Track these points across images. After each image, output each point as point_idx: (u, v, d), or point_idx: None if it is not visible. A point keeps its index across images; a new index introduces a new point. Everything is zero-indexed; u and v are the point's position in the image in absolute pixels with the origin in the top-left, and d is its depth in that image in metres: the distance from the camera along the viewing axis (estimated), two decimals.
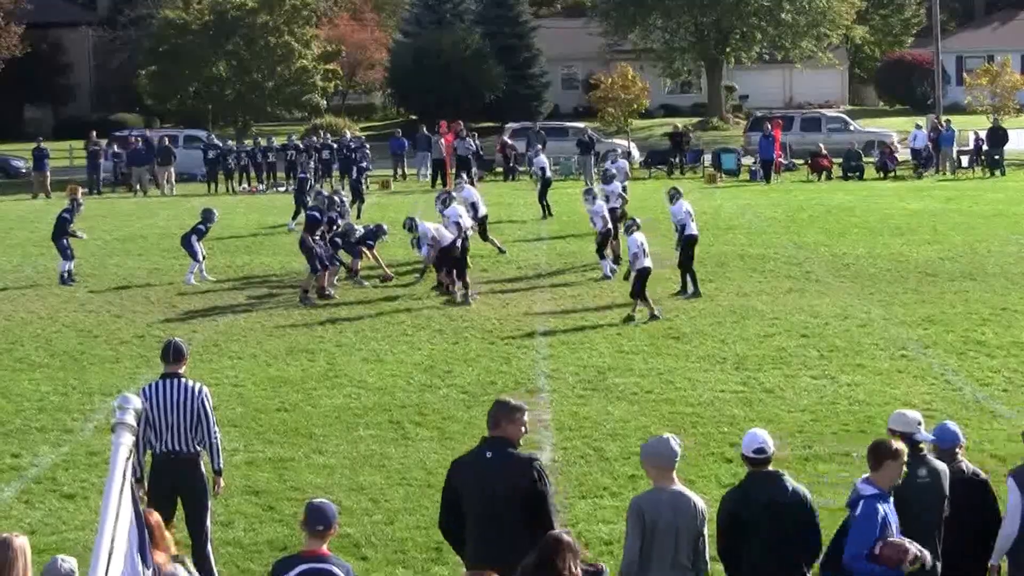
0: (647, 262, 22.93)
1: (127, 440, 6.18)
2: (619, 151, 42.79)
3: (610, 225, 27.65)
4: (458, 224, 25.78)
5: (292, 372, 19.84)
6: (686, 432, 15.49)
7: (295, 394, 18.51)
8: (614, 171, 31.15)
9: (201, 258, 27.91)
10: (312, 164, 45.85)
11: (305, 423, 17.03)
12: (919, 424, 9.59)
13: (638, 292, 22.91)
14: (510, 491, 9.28)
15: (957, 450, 9.98)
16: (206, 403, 11.65)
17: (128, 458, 6.20)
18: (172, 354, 11.85)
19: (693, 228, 25.26)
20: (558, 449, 15.64)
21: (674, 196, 25.79)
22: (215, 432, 11.72)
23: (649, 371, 19.35)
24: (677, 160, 52.99)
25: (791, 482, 9.32)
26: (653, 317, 22.70)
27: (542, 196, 37.66)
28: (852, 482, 9.63)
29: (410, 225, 26.66)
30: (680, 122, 62.48)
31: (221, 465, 11.87)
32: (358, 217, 35.39)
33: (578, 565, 7.76)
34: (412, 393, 18.47)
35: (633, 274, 23.14)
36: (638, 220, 24.18)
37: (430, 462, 15.25)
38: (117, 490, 6.05)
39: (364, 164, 44.20)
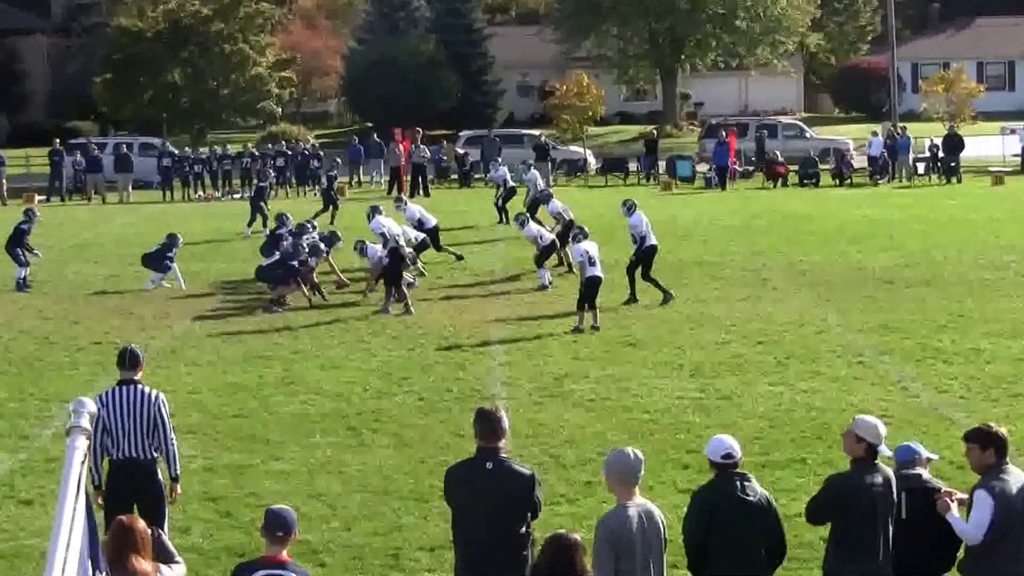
0: (595, 271, 22.65)
1: (81, 444, 6.15)
2: (529, 162, 42.59)
3: (548, 240, 27.77)
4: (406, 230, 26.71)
5: (249, 379, 19.73)
6: (643, 439, 15.48)
7: (252, 401, 18.42)
8: (549, 192, 31.67)
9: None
10: (270, 172, 45.66)
11: (262, 430, 16.94)
12: (881, 436, 9.59)
13: (583, 301, 22.57)
14: (511, 503, 9.36)
15: (917, 463, 9.96)
16: (163, 410, 11.60)
17: (83, 461, 6.16)
18: (128, 361, 11.78)
19: (652, 239, 25.22)
20: (514, 456, 15.55)
21: (631, 208, 25.61)
22: (171, 439, 11.66)
23: (606, 378, 19.34)
24: (653, 167, 52.89)
25: (757, 485, 9.39)
26: (594, 328, 22.48)
27: (503, 203, 37.47)
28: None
29: (361, 248, 26.34)
30: (639, 129, 62.63)
31: (178, 472, 11.82)
32: (331, 223, 35.38)
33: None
34: (369, 400, 18.40)
35: (581, 284, 22.84)
36: (585, 229, 24.06)
37: (387, 469, 15.20)
38: (72, 494, 6.01)
39: (333, 172, 44.33)
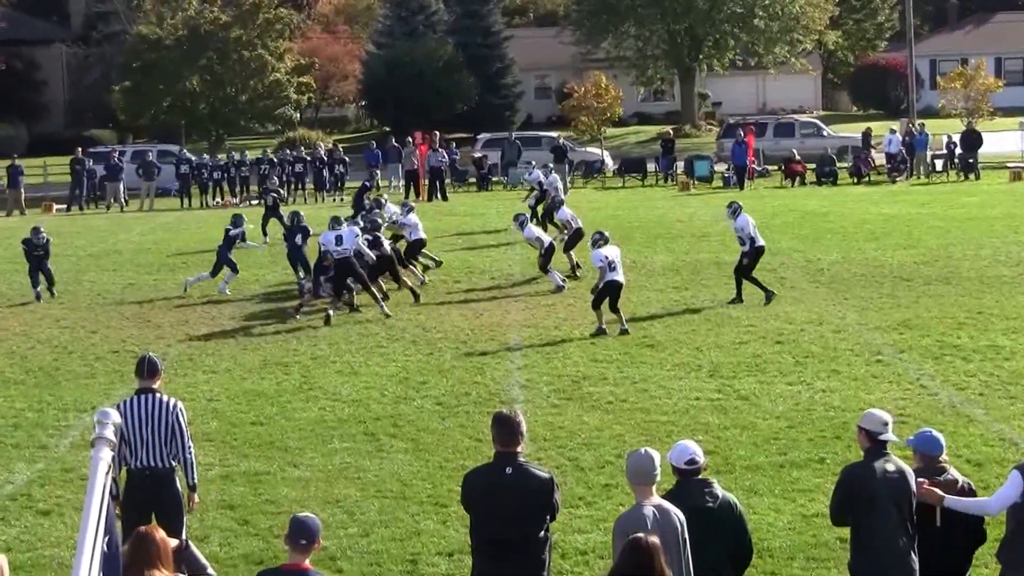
0: (614, 276, 22.43)
1: (106, 455, 6.16)
2: (532, 163, 42.32)
3: (547, 242, 27.94)
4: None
5: (266, 386, 19.77)
6: (661, 441, 15.45)
7: (270, 407, 18.45)
8: (562, 199, 31.61)
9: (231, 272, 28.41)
10: (278, 179, 45.73)
11: (280, 436, 16.97)
12: (885, 424, 9.59)
13: (599, 303, 22.52)
14: (529, 507, 9.40)
15: (942, 459, 9.95)
16: (180, 418, 11.60)
17: (108, 472, 6.18)
18: (147, 369, 11.79)
19: (760, 240, 25.03)
20: (532, 460, 15.57)
21: (736, 211, 25.34)
22: (189, 447, 11.66)
23: (624, 380, 19.33)
24: (670, 167, 52.89)
25: (720, 490, 9.40)
26: (622, 331, 22.41)
27: (537, 204, 37.25)
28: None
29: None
30: (656, 130, 62.58)
31: (196, 481, 11.81)
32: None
33: None
34: (386, 405, 18.42)
35: (600, 287, 22.65)
36: (605, 233, 23.63)
37: (405, 474, 15.21)
38: (97, 505, 6.02)
39: (366, 183, 44.06)
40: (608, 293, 22.47)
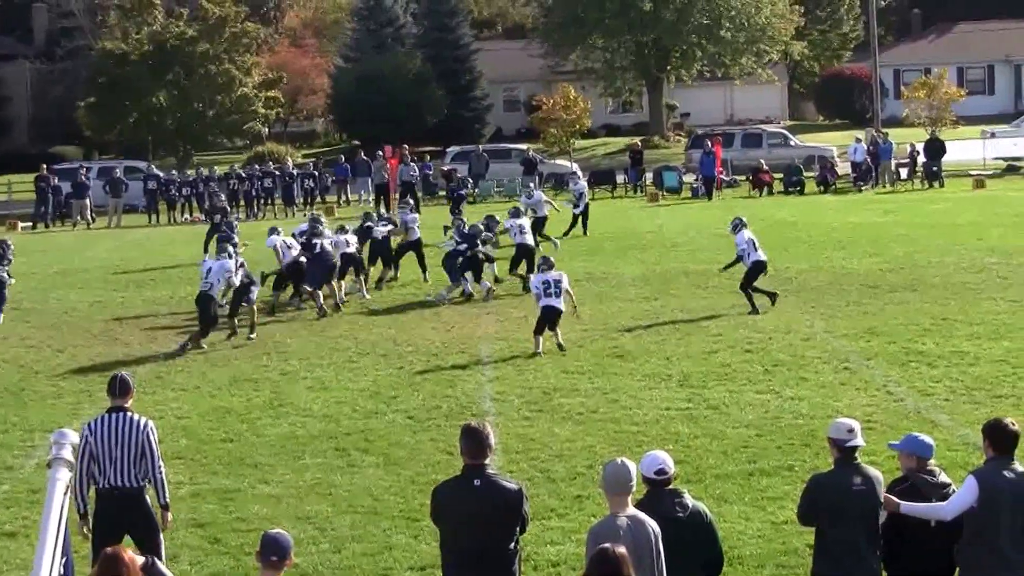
0: (550, 301, 22.15)
1: (64, 475, 6.17)
2: (532, 185, 42.21)
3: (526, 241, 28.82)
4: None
5: (236, 402, 19.74)
6: (631, 451, 15.46)
7: (240, 424, 18.43)
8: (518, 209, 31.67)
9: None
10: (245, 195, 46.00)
11: (250, 453, 16.95)
12: (850, 431, 9.69)
13: (538, 329, 22.27)
14: (499, 519, 9.40)
15: (931, 463, 10.03)
16: (151, 437, 11.54)
17: (65, 493, 6.17)
18: (118, 388, 11.74)
19: (757, 255, 25.06)
20: (504, 472, 15.60)
21: (736, 227, 25.63)
22: (160, 467, 11.60)
23: (594, 391, 19.38)
24: (639, 178, 53.10)
25: (690, 500, 9.45)
26: (535, 354, 22.01)
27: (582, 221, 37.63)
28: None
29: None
30: (625, 141, 62.74)
31: (167, 500, 11.76)
32: None
33: None
34: (357, 420, 18.42)
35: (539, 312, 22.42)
36: (551, 259, 23.49)
37: (376, 489, 15.22)
38: (54, 526, 6.03)
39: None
40: (545, 318, 22.25)
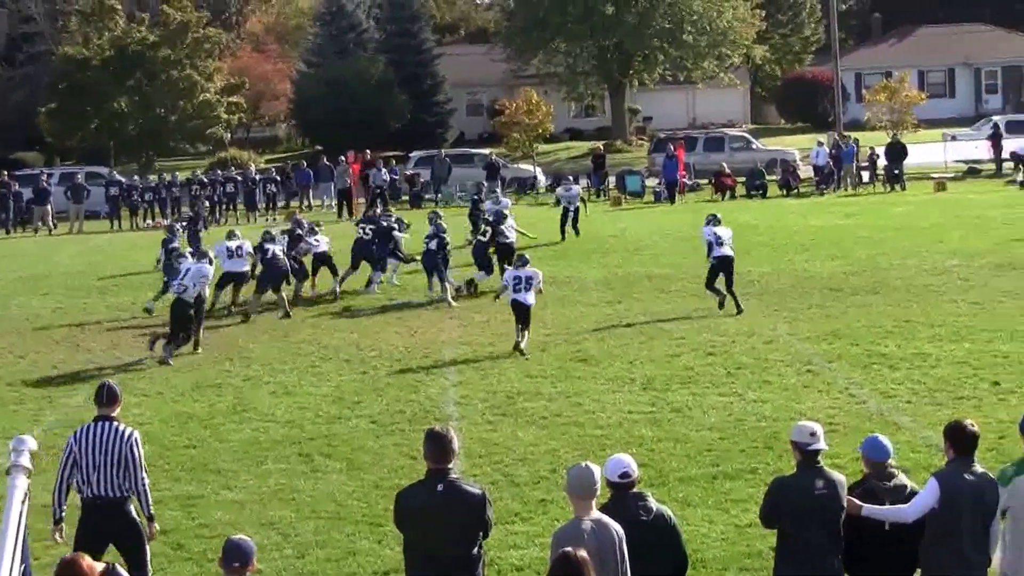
0: (516, 296, 22.66)
1: (22, 483, 6.13)
2: (497, 192, 42.40)
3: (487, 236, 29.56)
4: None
5: (199, 408, 19.67)
6: (595, 455, 15.48)
7: (202, 430, 18.36)
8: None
9: None
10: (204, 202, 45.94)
11: (213, 459, 16.89)
12: (813, 435, 9.71)
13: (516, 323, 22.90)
14: (462, 523, 9.39)
15: (891, 465, 10.07)
16: (135, 448, 11.45)
17: (24, 500, 6.13)
18: (105, 397, 11.68)
19: (720, 251, 25.27)
20: (467, 476, 15.60)
21: (709, 221, 26.05)
22: (143, 478, 11.51)
23: (558, 395, 19.40)
24: (602, 183, 53.20)
25: (654, 503, 9.48)
26: (516, 347, 22.45)
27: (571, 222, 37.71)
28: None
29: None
30: (588, 145, 62.80)
31: (152, 511, 11.68)
32: None
33: None
34: (321, 425, 18.39)
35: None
36: (526, 256, 23.76)
37: (340, 494, 15.19)
38: (13, 534, 5.99)
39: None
40: (514, 312, 22.75)
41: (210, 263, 24.59)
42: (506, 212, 31.74)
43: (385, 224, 30.68)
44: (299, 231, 29.59)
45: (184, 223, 36.01)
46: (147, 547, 11.66)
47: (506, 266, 27.27)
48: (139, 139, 65.59)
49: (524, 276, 22.82)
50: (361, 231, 30.53)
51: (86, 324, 27.39)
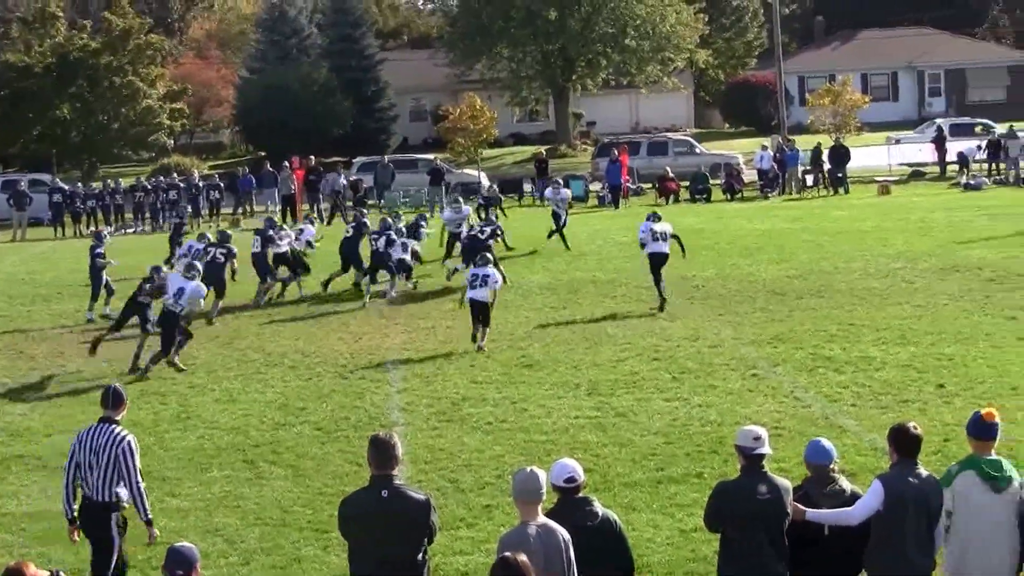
0: (471, 293, 23.41)
1: None
2: (459, 198, 42.30)
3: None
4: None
5: (143, 415, 19.53)
6: (541, 460, 15.52)
7: (147, 437, 18.17)
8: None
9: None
10: (186, 206, 45.87)
11: (157, 467, 16.77)
12: (757, 439, 9.75)
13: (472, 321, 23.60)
14: (407, 530, 9.36)
15: (832, 469, 10.11)
16: (127, 452, 11.51)
17: None
18: (110, 400, 11.81)
19: (653, 247, 26.37)
20: (413, 482, 15.58)
21: (649, 218, 27.36)
22: (138, 482, 11.57)
23: (503, 400, 19.41)
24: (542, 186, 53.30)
25: (600, 507, 9.48)
26: (477, 345, 23.15)
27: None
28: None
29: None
30: (532, 150, 62.86)
31: (149, 515, 11.75)
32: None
33: None
34: (265, 432, 18.32)
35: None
36: (487, 256, 24.72)
37: (285, 501, 15.14)
38: None
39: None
40: (471, 308, 23.43)
41: (199, 275, 24.08)
42: (461, 220, 32.53)
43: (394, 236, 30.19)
44: (271, 231, 29.94)
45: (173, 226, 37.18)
46: (114, 559, 11.77)
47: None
48: (82, 146, 65.19)
49: (481, 274, 23.38)
50: (348, 231, 31.34)
51: (29, 331, 27.17)
